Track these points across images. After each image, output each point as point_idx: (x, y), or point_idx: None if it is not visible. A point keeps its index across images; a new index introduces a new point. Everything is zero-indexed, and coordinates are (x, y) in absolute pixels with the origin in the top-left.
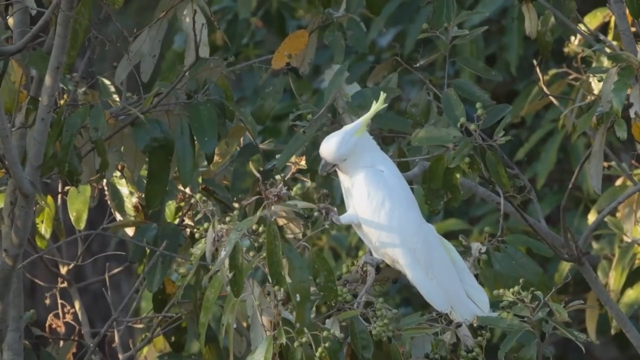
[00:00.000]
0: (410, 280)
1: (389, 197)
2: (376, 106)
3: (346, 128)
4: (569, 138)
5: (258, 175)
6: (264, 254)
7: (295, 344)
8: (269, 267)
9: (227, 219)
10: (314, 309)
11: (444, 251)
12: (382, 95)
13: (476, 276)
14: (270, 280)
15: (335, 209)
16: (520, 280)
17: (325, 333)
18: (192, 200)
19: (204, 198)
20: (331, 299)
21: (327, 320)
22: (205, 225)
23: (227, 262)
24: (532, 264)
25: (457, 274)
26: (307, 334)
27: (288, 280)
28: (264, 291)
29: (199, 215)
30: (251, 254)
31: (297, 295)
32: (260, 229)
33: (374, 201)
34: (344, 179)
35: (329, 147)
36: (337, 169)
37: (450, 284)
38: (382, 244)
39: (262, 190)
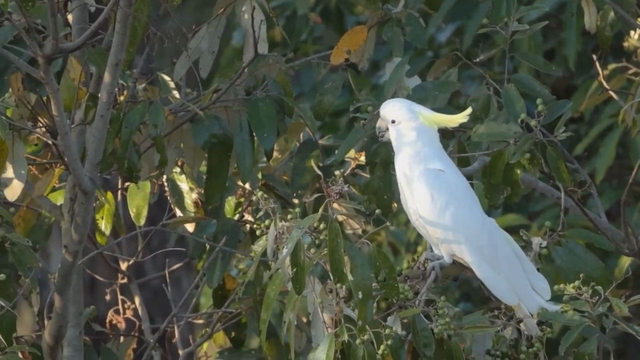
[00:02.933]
0: (478, 277)
1: (453, 199)
2: (457, 116)
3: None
4: (628, 133)
5: (319, 172)
6: (325, 251)
7: (357, 341)
8: (330, 264)
9: (289, 216)
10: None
11: (507, 245)
12: (469, 110)
13: (537, 271)
14: (332, 278)
15: (437, 263)
16: (581, 275)
17: (387, 331)
18: (254, 198)
19: (265, 196)
20: (393, 296)
21: (389, 318)
22: (267, 222)
23: (288, 259)
24: (592, 258)
25: (519, 264)
26: (369, 332)
27: (350, 277)
28: (325, 288)
29: (261, 213)
30: (312, 251)
31: (360, 292)
32: (321, 226)
33: (438, 204)
34: (401, 177)
35: (388, 101)
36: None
37: (516, 277)
38: (448, 244)
39: (323, 187)
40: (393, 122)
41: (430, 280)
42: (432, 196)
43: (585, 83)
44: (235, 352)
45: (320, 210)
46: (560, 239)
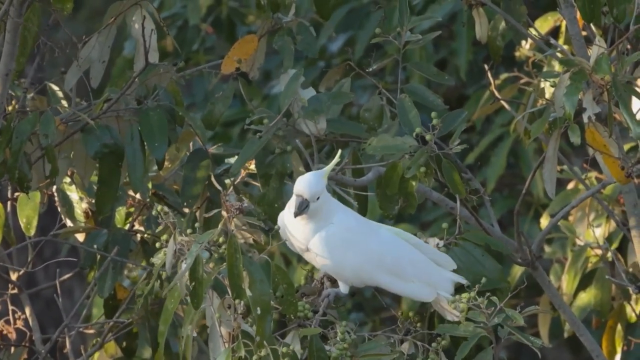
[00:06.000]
0: (394, 293)
1: (350, 247)
2: (336, 160)
3: (313, 171)
4: (519, 142)
5: (218, 186)
6: (224, 266)
7: (254, 357)
8: (229, 279)
9: (188, 230)
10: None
11: (405, 244)
12: (339, 152)
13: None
14: (231, 293)
15: (333, 292)
16: (482, 280)
17: (284, 349)
18: (154, 212)
19: (166, 209)
20: (291, 312)
21: (288, 335)
22: (164, 237)
23: (187, 273)
24: (490, 260)
25: (420, 252)
26: (266, 348)
27: (248, 293)
28: (223, 303)
29: (160, 227)
30: (211, 265)
31: (258, 308)
32: (220, 239)
33: (337, 259)
34: (298, 239)
35: (307, 183)
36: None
37: (424, 271)
38: (360, 283)
39: (223, 203)
40: (318, 199)
41: (324, 306)
42: (330, 255)
43: (477, 93)
44: None
45: (220, 226)
46: (457, 240)
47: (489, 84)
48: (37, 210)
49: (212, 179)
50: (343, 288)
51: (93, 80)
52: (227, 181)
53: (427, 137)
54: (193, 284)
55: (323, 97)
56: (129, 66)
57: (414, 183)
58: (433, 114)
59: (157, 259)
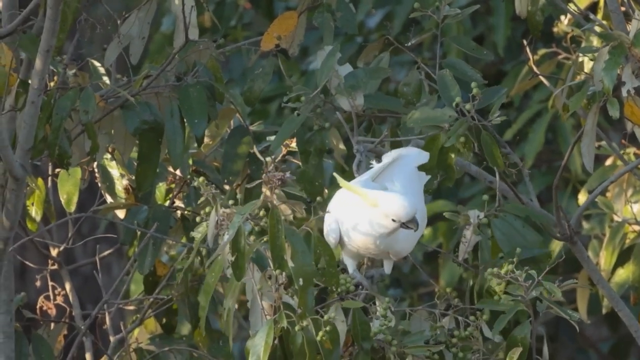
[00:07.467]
0: None
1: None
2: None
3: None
4: (557, 118)
5: (262, 159)
6: (266, 238)
7: (296, 327)
8: (271, 251)
9: (230, 202)
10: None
11: (400, 171)
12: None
13: (477, 244)
14: (272, 265)
15: (378, 274)
16: (517, 250)
17: (326, 317)
18: (195, 184)
19: (206, 181)
20: (332, 284)
21: (330, 308)
22: (207, 209)
23: (228, 245)
24: (530, 231)
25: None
26: (308, 318)
27: (290, 264)
28: (264, 275)
29: (202, 199)
30: (252, 237)
31: (300, 279)
32: (261, 212)
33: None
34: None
35: (411, 207)
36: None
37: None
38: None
39: (265, 174)
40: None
41: (367, 286)
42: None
43: (515, 68)
44: (167, 338)
45: (262, 197)
46: (497, 212)
47: (527, 59)
48: (77, 186)
49: (255, 150)
50: (388, 269)
51: (133, 57)
52: (268, 159)
53: (467, 106)
54: (235, 255)
55: (360, 73)
56: (167, 42)
57: (452, 155)
58: (473, 84)
59: (197, 233)
